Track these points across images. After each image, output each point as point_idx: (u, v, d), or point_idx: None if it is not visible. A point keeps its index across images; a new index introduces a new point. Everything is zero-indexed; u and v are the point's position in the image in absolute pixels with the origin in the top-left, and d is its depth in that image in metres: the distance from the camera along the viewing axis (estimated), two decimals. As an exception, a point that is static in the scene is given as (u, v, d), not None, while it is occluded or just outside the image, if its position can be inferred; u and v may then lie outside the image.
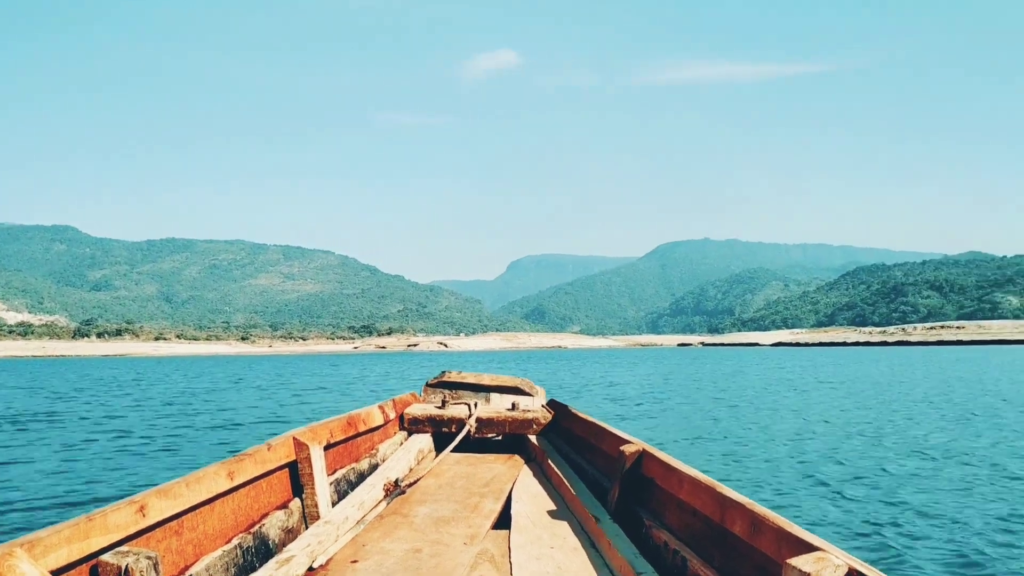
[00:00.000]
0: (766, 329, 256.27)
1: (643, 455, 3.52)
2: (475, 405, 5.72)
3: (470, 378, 6.23)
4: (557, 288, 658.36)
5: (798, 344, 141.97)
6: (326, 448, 3.94)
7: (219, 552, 2.80)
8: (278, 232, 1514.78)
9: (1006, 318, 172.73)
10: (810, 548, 2.03)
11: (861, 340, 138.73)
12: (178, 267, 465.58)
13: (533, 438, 5.39)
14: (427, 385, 6.28)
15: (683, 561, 2.79)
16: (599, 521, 3.31)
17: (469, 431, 5.32)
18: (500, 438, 5.64)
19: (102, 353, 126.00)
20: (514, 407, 5.69)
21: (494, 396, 6.11)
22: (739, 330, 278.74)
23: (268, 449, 3.35)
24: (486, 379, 6.22)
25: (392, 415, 5.34)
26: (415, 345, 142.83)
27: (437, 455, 5.18)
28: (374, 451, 4.79)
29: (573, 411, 5.18)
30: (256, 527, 3.10)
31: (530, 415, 5.50)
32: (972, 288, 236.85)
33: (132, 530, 2.35)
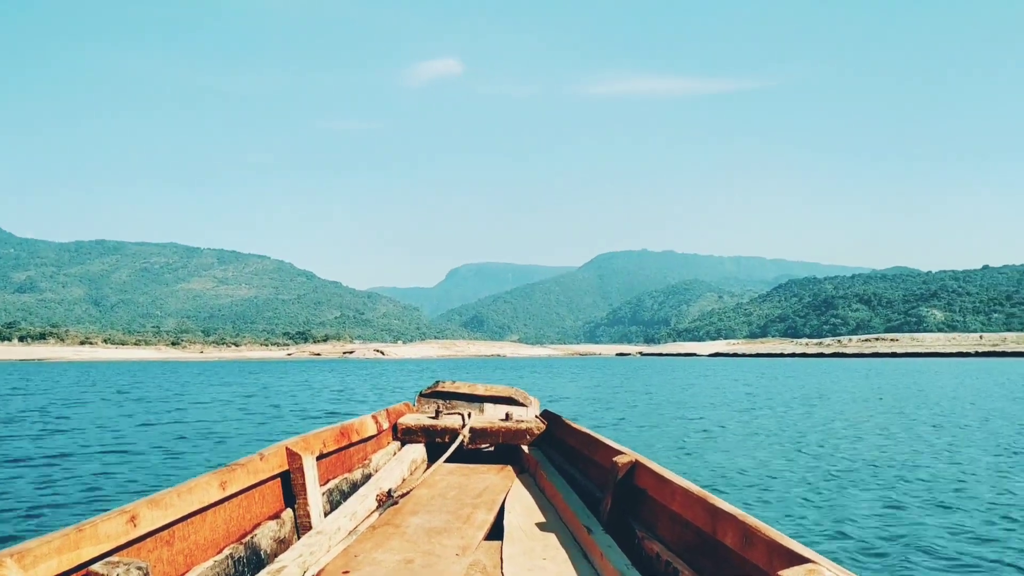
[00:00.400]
0: (701, 339, 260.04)
1: (636, 466, 3.50)
2: (468, 415, 5.73)
3: (464, 388, 6.24)
4: (496, 296, 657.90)
5: (736, 355, 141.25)
6: (319, 458, 3.93)
7: (210, 562, 2.78)
8: (212, 236, 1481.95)
9: (930, 331, 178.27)
10: (802, 560, 2.03)
11: (798, 352, 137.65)
12: (107, 270, 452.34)
13: (526, 448, 5.38)
14: (421, 395, 6.26)
15: (675, 572, 2.80)
16: (591, 532, 3.29)
17: (462, 441, 5.29)
18: (493, 449, 5.61)
19: (21, 357, 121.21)
20: (508, 417, 5.70)
21: (488, 406, 6.12)
22: (675, 340, 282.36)
23: (260, 459, 3.32)
24: (480, 389, 6.24)
25: (385, 425, 5.29)
26: (351, 352, 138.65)
27: (430, 465, 5.14)
28: (367, 461, 4.73)
29: (566, 422, 5.15)
30: (248, 537, 3.08)
31: (523, 425, 5.49)
32: (899, 302, 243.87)
33: (123, 540, 2.33)
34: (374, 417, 5.11)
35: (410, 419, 5.60)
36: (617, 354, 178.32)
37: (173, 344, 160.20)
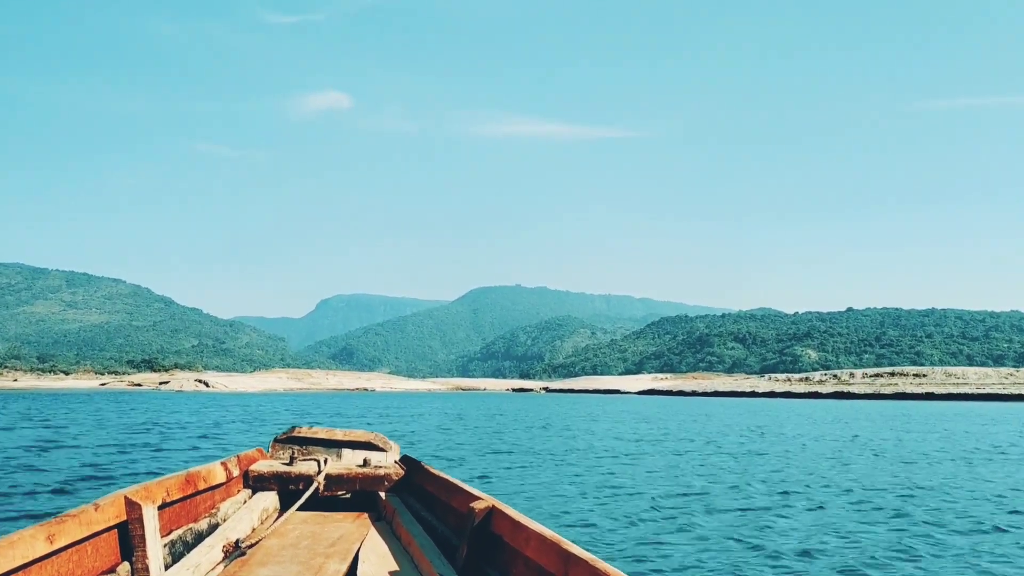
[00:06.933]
0: (576, 375, 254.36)
1: (492, 512, 3.46)
2: (325, 461, 5.37)
3: (321, 433, 5.88)
4: (367, 328, 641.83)
5: (681, 393, 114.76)
6: (161, 507, 3.71)
7: None
8: (62, 257, 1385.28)
9: (806, 370, 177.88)
10: None
11: (778, 390, 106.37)
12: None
13: (384, 495, 5.20)
14: (275, 440, 5.80)
15: None
16: None
17: (317, 488, 5.04)
18: (350, 496, 5.32)
19: None
20: (366, 463, 5.44)
21: (346, 451, 5.81)
22: (550, 376, 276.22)
23: (95, 509, 3.11)
24: (338, 434, 5.90)
25: (236, 472, 4.98)
26: (166, 383, 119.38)
27: (283, 514, 4.89)
28: (215, 510, 4.45)
29: (426, 467, 5.00)
30: None
31: (382, 471, 5.30)
32: (772, 341, 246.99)
33: None
34: (223, 464, 4.76)
35: (262, 466, 5.29)
36: (513, 389, 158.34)
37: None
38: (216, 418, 31.16)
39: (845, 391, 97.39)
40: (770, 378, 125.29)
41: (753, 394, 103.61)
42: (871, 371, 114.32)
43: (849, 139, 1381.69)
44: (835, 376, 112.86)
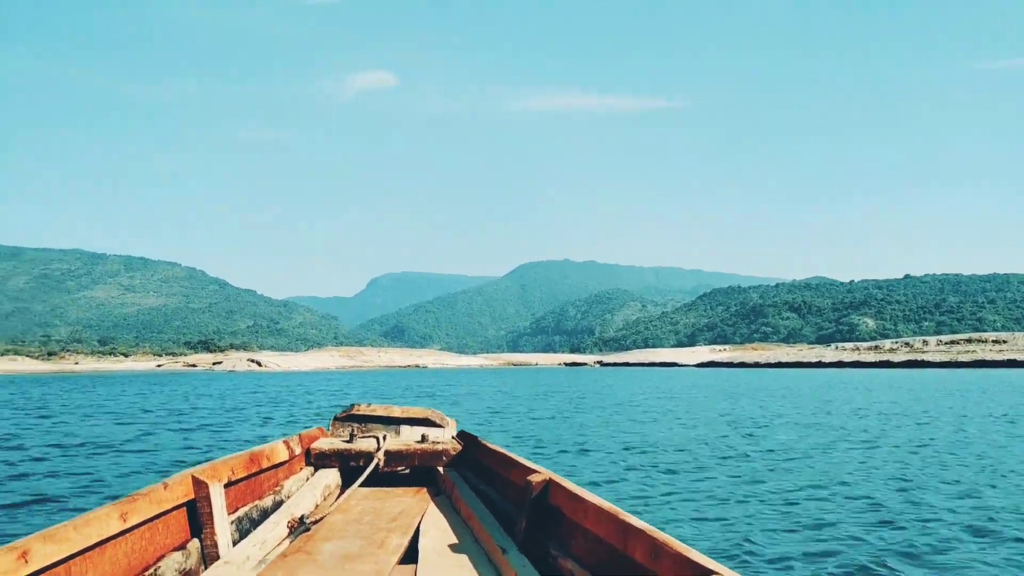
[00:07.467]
0: (628, 348, 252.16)
1: (549, 484, 3.50)
2: (384, 438, 5.50)
3: (380, 410, 6.00)
4: (418, 306, 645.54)
5: (743, 365, 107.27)
6: (227, 485, 3.82)
7: None
8: (119, 242, 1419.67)
9: (863, 339, 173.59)
10: (707, 572, 2.08)
11: (847, 359, 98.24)
12: (2, 276, 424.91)
13: (442, 470, 5.29)
14: (335, 419, 5.92)
15: None
16: (506, 552, 3.28)
17: (378, 464, 5.15)
18: (409, 471, 5.46)
19: None
20: (424, 439, 5.55)
21: (404, 428, 5.92)
22: (601, 350, 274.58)
23: (164, 488, 3.23)
24: (396, 411, 6.00)
25: (298, 450, 5.11)
26: (219, 363, 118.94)
27: (345, 490, 4.95)
28: (278, 488, 4.61)
29: (482, 442, 5.10)
30: (151, 570, 2.99)
31: (440, 447, 5.41)
32: (828, 310, 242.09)
33: None
34: (286, 442, 4.89)
35: (324, 443, 5.39)
36: (566, 364, 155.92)
37: (50, 355, 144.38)
38: (239, 402, 29.16)
39: (919, 359, 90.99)
40: (837, 347, 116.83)
41: (820, 364, 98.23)
42: (946, 338, 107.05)
43: (907, 104, 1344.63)
44: (907, 344, 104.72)
